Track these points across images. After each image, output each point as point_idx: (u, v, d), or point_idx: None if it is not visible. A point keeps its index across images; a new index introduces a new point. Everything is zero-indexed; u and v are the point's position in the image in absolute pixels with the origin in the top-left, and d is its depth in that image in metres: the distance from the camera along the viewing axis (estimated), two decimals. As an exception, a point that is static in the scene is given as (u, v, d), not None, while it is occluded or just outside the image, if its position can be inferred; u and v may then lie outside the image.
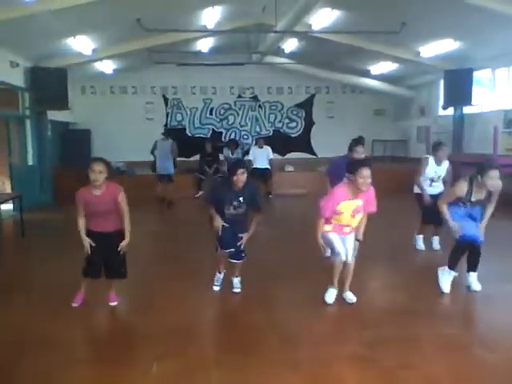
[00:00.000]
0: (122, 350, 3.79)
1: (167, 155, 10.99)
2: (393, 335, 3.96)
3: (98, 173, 4.18)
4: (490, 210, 4.89)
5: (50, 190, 11.57)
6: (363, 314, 4.46)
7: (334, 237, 4.58)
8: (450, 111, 13.07)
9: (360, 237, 4.65)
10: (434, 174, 6.41)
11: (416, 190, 6.57)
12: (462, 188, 4.76)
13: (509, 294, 4.86)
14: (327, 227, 4.56)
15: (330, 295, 4.68)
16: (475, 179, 4.71)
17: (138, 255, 6.62)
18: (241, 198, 4.69)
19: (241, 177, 4.63)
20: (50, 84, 10.72)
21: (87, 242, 4.35)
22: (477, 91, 12.22)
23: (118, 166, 13.51)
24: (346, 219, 4.51)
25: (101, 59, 12.77)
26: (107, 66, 13.92)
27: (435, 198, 6.10)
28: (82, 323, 4.30)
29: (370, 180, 4.33)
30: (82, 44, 10.56)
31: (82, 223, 4.35)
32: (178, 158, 11.62)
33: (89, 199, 4.28)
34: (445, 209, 4.84)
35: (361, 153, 5.88)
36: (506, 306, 4.60)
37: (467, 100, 12.00)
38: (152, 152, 11.37)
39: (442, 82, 12.89)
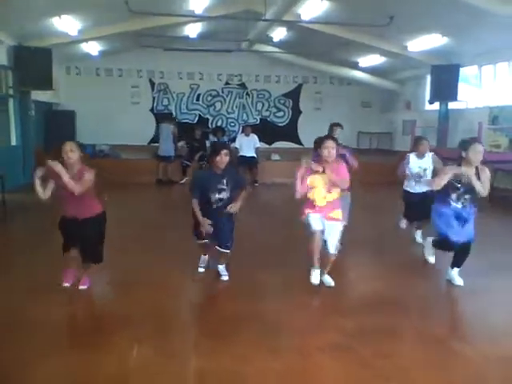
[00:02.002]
0: (100, 334, 3.78)
1: (168, 138, 12.07)
2: (372, 325, 4.01)
3: (70, 151, 4.28)
4: (479, 185, 4.66)
5: (33, 170, 11.41)
6: (344, 303, 4.51)
7: (312, 217, 4.65)
8: (436, 106, 13.18)
9: (345, 222, 4.74)
10: (419, 168, 6.35)
11: (405, 186, 6.47)
12: (451, 169, 4.69)
13: (490, 288, 4.91)
14: (309, 211, 4.65)
15: (315, 276, 4.73)
16: (462, 158, 4.64)
17: (119, 239, 6.62)
18: (224, 180, 4.67)
19: (224, 158, 4.62)
20: (34, 63, 10.54)
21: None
22: (463, 87, 12.34)
23: (101, 148, 13.39)
24: (321, 194, 4.61)
25: (86, 40, 12.60)
26: (93, 48, 13.71)
27: (422, 195, 6.12)
28: (59, 307, 4.25)
29: (334, 151, 4.51)
30: (67, 24, 10.38)
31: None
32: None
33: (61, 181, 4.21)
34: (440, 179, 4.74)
35: (337, 134, 6.04)
36: (487, 300, 4.64)
37: (453, 96, 12.12)
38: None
39: (428, 77, 12.98)
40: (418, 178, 6.29)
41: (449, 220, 4.77)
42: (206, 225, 4.67)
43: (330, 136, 4.81)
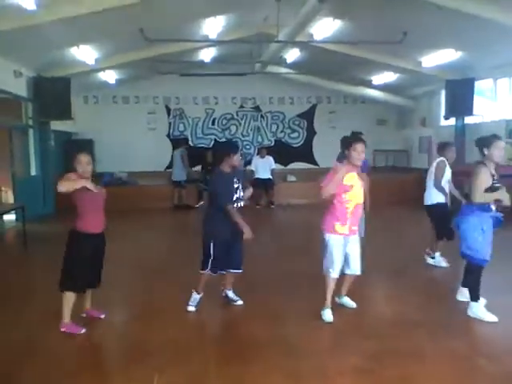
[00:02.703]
0: (121, 363, 3.77)
1: (178, 163, 12.34)
2: (394, 347, 3.92)
3: (86, 164, 4.10)
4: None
5: (52, 200, 11.55)
6: (365, 325, 4.42)
7: (336, 245, 4.41)
8: (452, 121, 13.07)
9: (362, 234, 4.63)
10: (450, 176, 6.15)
11: (430, 201, 6.18)
12: (486, 174, 4.36)
13: (508, 305, 4.80)
14: (338, 226, 4.39)
15: (327, 314, 4.49)
16: (484, 157, 4.41)
17: (136, 265, 6.63)
18: (236, 179, 4.60)
19: (239, 156, 4.63)
20: (53, 94, 10.76)
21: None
22: (478, 101, 12.23)
23: (119, 176, 13.55)
24: (359, 194, 4.42)
25: (103, 69, 12.85)
26: (110, 76, 14.00)
27: (446, 206, 6.02)
28: (77, 337, 4.24)
29: (363, 155, 4.33)
30: (85, 53, 10.62)
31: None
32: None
33: (85, 192, 4.04)
34: (484, 195, 4.35)
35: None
36: (507, 316, 4.52)
37: (469, 110, 12.01)
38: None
39: (443, 92, 12.91)
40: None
41: (489, 230, 4.45)
42: (249, 232, 4.49)
43: (360, 138, 4.55)
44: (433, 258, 6.38)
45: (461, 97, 11.89)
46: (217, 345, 4.18)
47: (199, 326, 4.55)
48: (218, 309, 4.90)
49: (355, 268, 4.60)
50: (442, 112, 13.15)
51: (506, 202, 4.38)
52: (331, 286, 4.52)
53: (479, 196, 4.33)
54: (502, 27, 8.56)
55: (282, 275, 6.01)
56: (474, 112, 12.07)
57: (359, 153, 4.32)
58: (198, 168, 13.15)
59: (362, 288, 5.09)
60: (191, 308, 4.74)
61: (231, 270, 4.81)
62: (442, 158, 6.14)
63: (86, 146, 15.10)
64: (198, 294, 4.78)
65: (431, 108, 15.35)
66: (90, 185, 3.97)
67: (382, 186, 11.73)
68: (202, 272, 4.71)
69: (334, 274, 4.47)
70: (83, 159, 4.11)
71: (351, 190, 4.36)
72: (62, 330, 4.19)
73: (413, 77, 13.70)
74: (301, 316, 4.63)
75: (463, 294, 4.84)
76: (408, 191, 12.32)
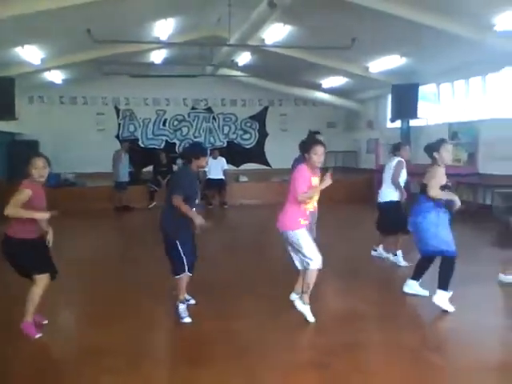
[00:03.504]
0: (69, 364, 3.72)
1: (125, 163, 11.99)
2: (347, 341, 4.06)
3: (43, 168, 3.98)
4: None
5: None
6: (318, 321, 4.49)
7: (307, 235, 4.41)
8: (398, 124, 13.57)
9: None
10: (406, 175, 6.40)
11: (384, 198, 6.40)
12: (442, 173, 4.67)
13: (458, 300, 5.02)
14: (302, 221, 4.41)
15: (308, 311, 4.43)
16: (435, 161, 4.70)
17: (89, 266, 6.50)
18: (198, 181, 4.67)
19: (207, 158, 4.62)
20: (-4, 93, 10.36)
21: (40, 214, 3.91)
22: (422, 105, 12.76)
23: (67, 177, 13.18)
24: (315, 198, 4.49)
25: (49, 69, 12.48)
26: (56, 76, 13.60)
27: (399, 203, 6.26)
28: (27, 342, 4.12)
29: (323, 157, 4.37)
30: (30, 53, 10.29)
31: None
32: (131, 170, 12.37)
33: (38, 193, 3.98)
34: (440, 192, 4.61)
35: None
36: (457, 312, 4.69)
37: (413, 113, 12.49)
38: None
39: (389, 96, 13.38)
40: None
41: (448, 225, 4.71)
42: (200, 218, 4.37)
43: (320, 141, 4.57)
44: (375, 250, 6.73)
45: (406, 101, 12.35)
46: (170, 346, 4.19)
47: (151, 328, 4.51)
48: (169, 310, 4.85)
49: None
50: (389, 115, 13.62)
51: (457, 202, 4.65)
52: (314, 279, 4.45)
53: (436, 192, 4.58)
54: (444, 35, 8.99)
55: (234, 274, 6.07)
56: (419, 115, 12.57)
57: (319, 156, 4.35)
58: (149, 169, 13.00)
59: (316, 284, 5.21)
60: (187, 319, 4.48)
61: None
62: (400, 159, 6.38)
63: (31, 146, 14.57)
64: (184, 302, 4.57)
65: (378, 111, 15.87)
66: (45, 215, 3.91)
67: (333, 186, 12.02)
68: (178, 277, 4.52)
69: (318, 262, 4.39)
70: (39, 163, 3.97)
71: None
72: (22, 327, 4.07)
73: (361, 81, 14.12)
74: (254, 314, 4.70)
75: (410, 287, 5.08)
76: (358, 190, 12.73)
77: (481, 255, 6.91)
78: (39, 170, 3.96)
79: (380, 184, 6.69)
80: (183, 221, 4.45)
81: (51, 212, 3.93)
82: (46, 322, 4.37)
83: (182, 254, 4.48)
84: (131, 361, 3.72)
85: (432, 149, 4.76)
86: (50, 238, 4.17)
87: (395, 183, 6.29)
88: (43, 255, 4.17)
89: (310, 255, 4.37)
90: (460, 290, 4.98)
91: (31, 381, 3.52)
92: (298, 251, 4.47)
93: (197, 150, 4.68)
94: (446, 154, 4.70)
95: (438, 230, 4.65)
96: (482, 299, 5.18)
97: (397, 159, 6.39)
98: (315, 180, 4.43)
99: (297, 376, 3.52)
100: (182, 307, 4.53)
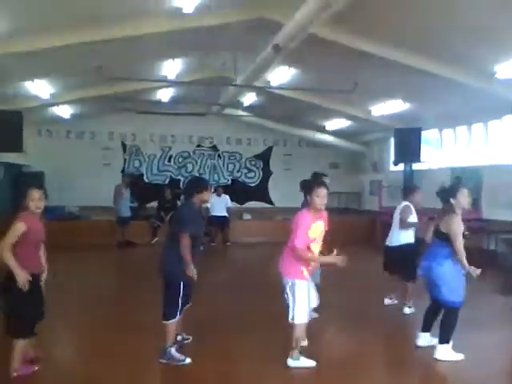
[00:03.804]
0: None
1: (126, 198, 12.13)
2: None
3: (39, 200, 3.95)
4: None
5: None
6: (320, 365, 4.37)
7: (305, 290, 4.27)
8: (401, 167, 13.64)
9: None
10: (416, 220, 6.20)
11: (394, 242, 6.26)
12: (459, 221, 4.46)
13: (461, 347, 4.94)
14: (305, 272, 4.27)
15: (304, 361, 4.30)
16: (451, 206, 4.50)
17: (86, 302, 6.44)
18: (202, 216, 4.54)
19: (209, 193, 4.53)
20: (4, 126, 10.51)
21: (24, 274, 3.79)
22: (425, 149, 12.86)
23: (71, 210, 13.24)
24: (317, 246, 4.32)
25: (58, 104, 12.73)
26: (65, 111, 13.85)
27: (409, 247, 6.12)
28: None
29: (326, 200, 4.25)
30: (40, 88, 10.53)
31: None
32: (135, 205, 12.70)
33: (35, 226, 3.94)
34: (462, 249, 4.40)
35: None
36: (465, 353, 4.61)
37: (416, 157, 12.55)
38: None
39: (392, 140, 13.51)
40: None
41: (461, 277, 4.55)
42: (193, 271, 4.23)
43: (322, 182, 4.48)
44: (410, 307, 6.24)
45: (409, 144, 12.44)
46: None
47: (146, 365, 4.41)
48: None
49: (312, 311, 4.57)
50: (392, 158, 13.72)
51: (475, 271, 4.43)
52: (303, 334, 4.32)
53: (461, 246, 4.38)
54: (446, 81, 9.15)
55: (232, 314, 5.98)
56: (422, 159, 12.65)
57: (322, 198, 4.23)
58: (154, 204, 13.03)
59: (317, 326, 5.13)
60: (188, 360, 4.35)
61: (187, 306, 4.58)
62: (406, 203, 6.23)
63: (37, 178, 14.70)
64: (172, 346, 4.39)
65: (381, 154, 15.99)
66: (27, 277, 3.80)
67: (334, 227, 12.00)
68: (169, 322, 4.35)
69: (303, 319, 4.28)
70: (36, 195, 3.97)
71: (315, 241, 4.31)
72: (14, 375, 3.93)
73: (364, 124, 14.31)
74: (250, 357, 4.61)
75: (424, 339, 4.83)
76: (360, 232, 12.70)
77: (484, 302, 6.80)
78: (35, 201, 3.94)
79: (385, 227, 6.61)
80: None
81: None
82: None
83: (181, 298, 4.29)
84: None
85: (448, 194, 4.58)
86: (43, 276, 4.14)
87: (404, 227, 6.15)
88: (36, 299, 4.03)
89: (297, 311, 4.23)
90: (462, 336, 4.88)
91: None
92: (287, 299, 4.33)
93: (200, 184, 4.59)
94: (464, 199, 4.52)
95: (452, 278, 4.47)
96: (485, 346, 5.06)
97: (404, 203, 6.26)
98: (320, 225, 4.28)
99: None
100: (173, 351, 4.36)
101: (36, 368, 4.05)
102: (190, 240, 4.25)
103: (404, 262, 6.17)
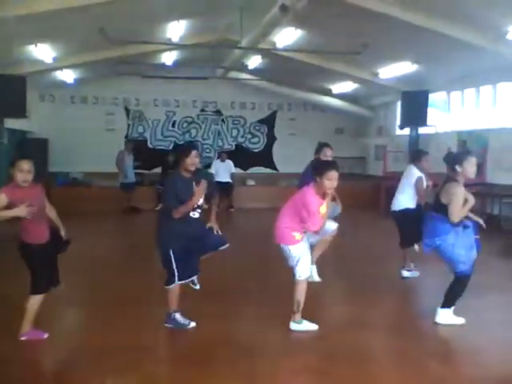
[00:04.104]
0: (75, 366, 3.73)
1: (131, 165, 12.40)
2: (347, 347, 4.04)
3: (27, 172, 3.80)
4: None
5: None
6: (321, 328, 4.45)
7: (304, 249, 4.34)
8: (407, 131, 13.53)
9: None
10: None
11: (399, 206, 6.14)
12: (462, 191, 4.31)
13: (463, 309, 4.99)
14: (297, 235, 4.28)
15: (307, 325, 4.34)
16: (455, 173, 4.37)
17: (95, 268, 6.55)
18: (195, 186, 4.21)
19: (195, 159, 4.23)
20: (7, 91, 10.43)
21: (17, 209, 3.70)
22: (432, 113, 12.73)
23: (75, 176, 13.27)
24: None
25: (61, 68, 12.58)
26: (68, 75, 13.70)
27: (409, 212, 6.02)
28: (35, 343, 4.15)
29: (336, 183, 4.14)
30: (43, 52, 10.37)
31: None
32: (139, 170, 12.80)
33: (21, 198, 3.76)
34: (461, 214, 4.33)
35: (329, 155, 5.76)
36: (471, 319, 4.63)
37: (423, 121, 12.45)
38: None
39: (399, 103, 13.36)
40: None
41: (466, 245, 4.38)
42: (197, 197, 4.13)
43: (334, 165, 4.25)
44: (409, 270, 6.23)
45: (415, 108, 12.32)
46: (171, 346, 4.21)
47: (154, 328, 4.50)
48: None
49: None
50: (398, 122, 13.59)
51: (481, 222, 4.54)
52: (303, 296, 4.34)
53: (458, 217, 4.31)
54: (455, 42, 8.98)
55: (236, 278, 6.08)
56: (428, 123, 12.54)
57: (332, 182, 4.11)
58: (158, 170, 13.06)
59: (320, 290, 5.21)
60: (192, 324, 4.40)
61: (194, 277, 4.56)
62: (420, 175, 6.07)
63: (41, 145, 14.71)
64: (176, 311, 4.40)
65: (387, 118, 15.83)
66: (23, 211, 3.71)
67: (340, 192, 12.06)
68: (168, 287, 4.36)
69: (306, 274, 4.35)
70: (25, 166, 3.79)
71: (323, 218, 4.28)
72: (23, 338, 4.01)
73: (371, 87, 14.11)
74: (254, 319, 4.71)
75: (443, 317, 4.64)
76: (365, 197, 12.73)
77: (486, 266, 6.85)
78: (24, 173, 3.79)
79: (390, 192, 6.58)
80: (178, 229, 4.24)
81: (25, 208, 3.70)
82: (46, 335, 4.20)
83: (173, 263, 4.25)
84: (135, 362, 3.73)
85: (454, 160, 4.40)
86: (62, 232, 4.20)
87: (422, 200, 6.01)
88: (47, 266, 4.09)
89: (300, 267, 4.28)
90: (463, 300, 4.95)
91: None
92: (288, 262, 4.38)
93: (180, 151, 4.38)
94: (470, 168, 4.35)
95: (458, 249, 4.37)
96: (485, 310, 5.13)
97: (416, 175, 6.09)
98: (323, 208, 4.22)
99: (294, 380, 3.52)
100: (178, 316, 4.40)
101: (46, 335, 4.10)
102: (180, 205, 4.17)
103: (400, 228, 6.17)
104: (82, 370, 3.63)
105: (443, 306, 4.55)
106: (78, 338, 4.37)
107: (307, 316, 4.44)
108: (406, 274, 6.22)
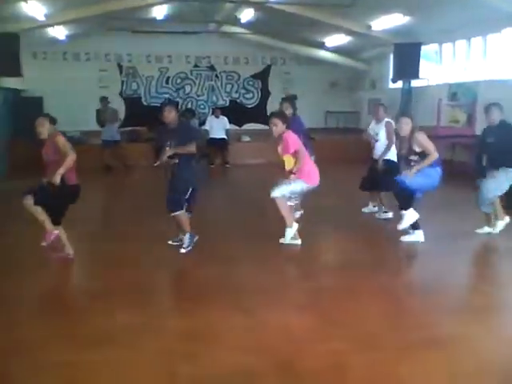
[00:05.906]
0: (82, 302, 4.14)
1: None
2: (331, 285, 4.47)
3: (36, 127, 4.65)
4: None
5: (2, 160, 11.32)
6: (307, 267, 4.95)
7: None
8: (399, 84, 13.61)
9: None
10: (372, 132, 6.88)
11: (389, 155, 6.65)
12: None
13: (444, 252, 5.45)
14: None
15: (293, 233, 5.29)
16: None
17: (97, 217, 6.86)
18: (169, 141, 5.03)
19: (167, 114, 5.00)
20: (1, 49, 10.41)
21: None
22: (424, 65, 12.78)
23: (72, 135, 13.35)
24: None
25: (53, 25, 12.48)
26: (60, 32, 13.59)
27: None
28: (36, 278, 4.54)
29: (274, 127, 5.41)
30: (34, 8, 10.31)
31: None
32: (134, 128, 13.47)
33: (41, 150, 4.78)
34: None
35: (285, 108, 6.66)
36: (440, 261, 5.16)
37: (415, 73, 12.51)
38: None
39: (391, 56, 13.37)
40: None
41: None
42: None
43: (273, 114, 5.74)
44: (386, 212, 6.78)
45: (408, 60, 12.35)
46: (171, 285, 4.66)
47: (157, 269, 4.89)
48: (173, 253, 5.24)
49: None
50: (391, 75, 13.64)
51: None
52: (289, 214, 5.28)
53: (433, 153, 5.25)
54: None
55: (231, 225, 6.51)
56: (420, 75, 12.61)
57: (271, 125, 5.52)
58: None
59: (304, 236, 5.59)
60: (189, 248, 5.15)
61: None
62: (389, 120, 6.87)
63: (36, 103, 14.70)
64: (191, 234, 5.15)
65: (380, 71, 15.83)
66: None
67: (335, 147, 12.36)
68: (175, 214, 5.01)
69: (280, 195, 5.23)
70: (35, 122, 4.68)
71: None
72: (44, 244, 4.65)
73: (364, 40, 14.06)
74: (250, 259, 5.11)
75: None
76: (357, 151, 12.91)
77: (468, 213, 7.21)
78: (35, 128, 4.69)
79: None
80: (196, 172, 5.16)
81: None
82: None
83: (186, 197, 5.06)
84: (137, 299, 4.09)
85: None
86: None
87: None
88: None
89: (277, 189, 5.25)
90: (449, 244, 5.38)
91: (48, 316, 3.90)
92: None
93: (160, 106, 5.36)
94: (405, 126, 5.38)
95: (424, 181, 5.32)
96: (461, 251, 5.53)
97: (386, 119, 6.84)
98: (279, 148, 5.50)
99: (283, 312, 3.87)
100: (187, 236, 5.10)
101: (71, 255, 4.81)
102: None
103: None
104: (86, 304, 3.98)
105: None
106: (87, 276, 4.73)
107: (296, 258, 4.89)
108: (382, 215, 6.80)
